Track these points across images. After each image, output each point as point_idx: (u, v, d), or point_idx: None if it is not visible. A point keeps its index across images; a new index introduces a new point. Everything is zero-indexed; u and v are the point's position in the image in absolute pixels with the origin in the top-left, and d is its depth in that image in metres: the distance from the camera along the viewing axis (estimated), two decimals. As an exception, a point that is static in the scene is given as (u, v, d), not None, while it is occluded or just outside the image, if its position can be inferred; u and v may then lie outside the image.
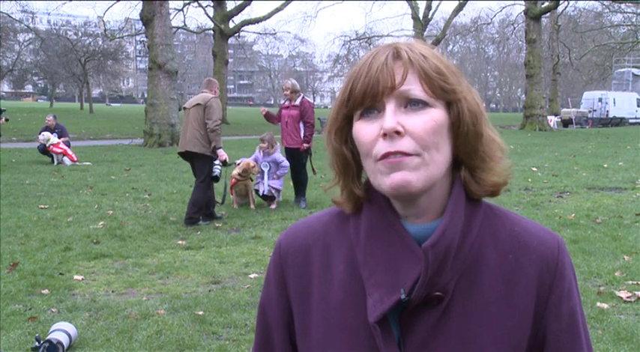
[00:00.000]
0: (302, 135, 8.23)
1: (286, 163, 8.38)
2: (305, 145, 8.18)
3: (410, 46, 0.88)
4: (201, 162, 7.25)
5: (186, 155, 7.33)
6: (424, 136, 0.84)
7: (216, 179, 7.37)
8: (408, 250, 0.87)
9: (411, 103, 0.85)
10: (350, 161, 0.92)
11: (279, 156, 8.42)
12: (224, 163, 7.36)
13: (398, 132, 0.83)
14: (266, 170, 8.33)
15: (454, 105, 0.87)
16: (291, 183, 8.80)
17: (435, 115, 0.85)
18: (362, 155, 0.89)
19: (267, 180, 8.31)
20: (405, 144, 0.83)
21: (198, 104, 7.20)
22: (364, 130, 0.86)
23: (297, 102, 8.19)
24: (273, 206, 8.42)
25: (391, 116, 0.83)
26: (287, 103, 8.36)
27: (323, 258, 0.95)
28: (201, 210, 7.32)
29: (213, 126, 7.04)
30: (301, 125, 8.23)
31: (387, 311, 0.85)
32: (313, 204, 8.50)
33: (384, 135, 0.83)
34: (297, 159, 8.38)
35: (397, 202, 0.89)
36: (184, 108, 7.48)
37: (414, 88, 0.85)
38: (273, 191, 8.35)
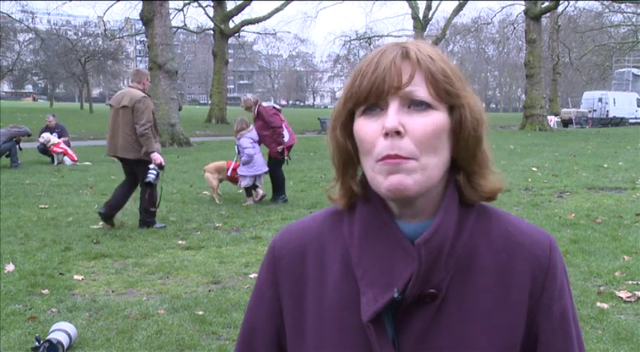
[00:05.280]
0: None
1: (249, 151, 8.29)
2: (278, 148, 8.42)
3: (418, 46, 0.88)
4: (141, 167, 6.71)
5: (122, 159, 6.85)
6: (423, 139, 0.84)
7: (150, 185, 6.64)
8: (401, 249, 0.87)
9: (414, 104, 0.85)
10: (352, 156, 0.92)
11: (244, 141, 8.37)
12: (160, 167, 6.70)
13: (398, 133, 0.83)
14: (236, 155, 8.50)
15: (457, 110, 0.88)
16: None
17: (436, 119, 0.85)
18: (362, 152, 0.89)
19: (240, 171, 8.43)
20: (404, 146, 0.83)
21: (125, 106, 6.61)
22: (366, 128, 0.86)
23: (256, 112, 8.50)
24: (249, 202, 8.46)
25: (393, 115, 0.84)
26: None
27: (318, 258, 0.95)
28: (155, 211, 6.94)
29: (142, 130, 6.50)
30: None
31: (379, 310, 0.86)
32: (313, 204, 8.50)
33: (386, 134, 0.84)
34: (278, 162, 8.64)
35: (393, 202, 0.89)
36: (110, 105, 6.90)
37: (420, 89, 0.85)
38: (247, 180, 8.37)
